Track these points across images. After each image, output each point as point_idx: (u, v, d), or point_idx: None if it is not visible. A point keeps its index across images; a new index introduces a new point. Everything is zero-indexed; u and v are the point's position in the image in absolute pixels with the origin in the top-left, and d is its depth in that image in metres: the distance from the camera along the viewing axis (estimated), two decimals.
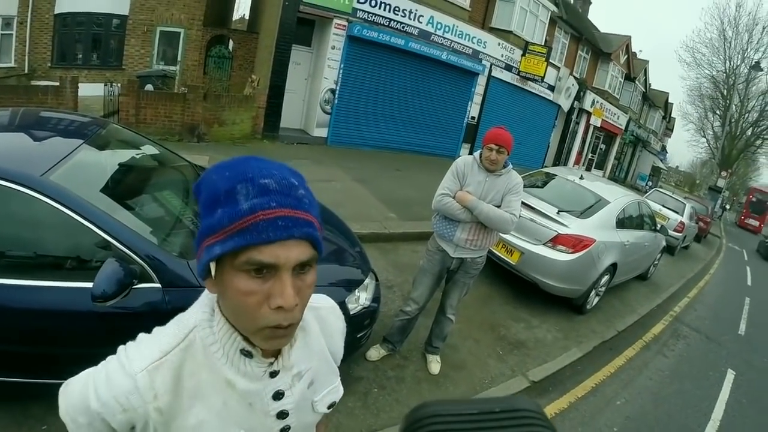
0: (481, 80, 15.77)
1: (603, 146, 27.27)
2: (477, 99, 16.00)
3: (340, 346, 1.06)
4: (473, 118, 16.12)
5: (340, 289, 3.05)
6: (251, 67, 13.94)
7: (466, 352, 4.35)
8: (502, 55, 16.05)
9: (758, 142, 33.08)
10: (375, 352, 3.78)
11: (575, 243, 5.29)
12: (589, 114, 22.29)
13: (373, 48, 12.50)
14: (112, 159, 2.97)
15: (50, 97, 7.95)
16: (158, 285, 2.24)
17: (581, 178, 6.38)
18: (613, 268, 5.95)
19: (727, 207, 41.67)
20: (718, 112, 32.75)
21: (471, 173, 3.29)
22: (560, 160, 22.01)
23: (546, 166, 13.62)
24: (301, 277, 0.73)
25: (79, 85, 8.46)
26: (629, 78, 26.38)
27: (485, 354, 4.43)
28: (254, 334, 0.75)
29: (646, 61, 29.19)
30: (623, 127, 26.62)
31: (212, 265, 0.73)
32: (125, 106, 8.87)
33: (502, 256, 5.63)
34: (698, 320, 7.62)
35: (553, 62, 17.96)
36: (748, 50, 29.70)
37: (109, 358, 0.79)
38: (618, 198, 6.15)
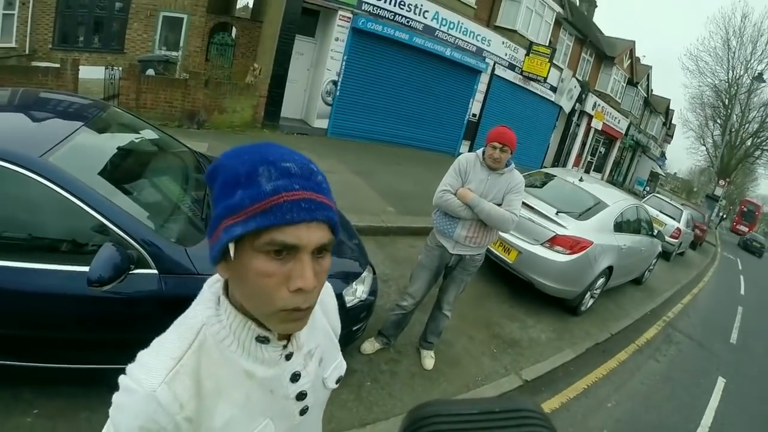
0: (484, 78, 15.77)
1: (603, 149, 27.31)
2: (479, 96, 16.00)
3: (338, 321, 1.09)
4: (474, 115, 16.11)
5: (337, 281, 3.03)
6: (254, 56, 13.87)
7: (460, 348, 4.35)
8: (505, 54, 16.04)
9: (757, 152, 33.13)
10: (369, 346, 3.77)
11: (573, 244, 5.29)
12: (590, 116, 22.29)
13: (376, 41, 12.47)
14: (112, 142, 2.93)
15: (50, 79, 7.94)
16: (155, 271, 2.23)
17: (581, 179, 6.38)
18: (609, 271, 5.96)
19: (724, 216, 42.11)
20: (718, 121, 32.77)
21: (473, 171, 3.28)
22: (559, 161, 22.04)
23: (545, 167, 13.62)
24: (318, 261, 0.74)
25: (80, 67, 8.43)
26: (631, 83, 26.41)
27: (479, 351, 4.43)
28: (270, 316, 0.74)
29: (649, 67, 29.19)
30: (623, 132, 26.64)
31: (231, 246, 0.72)
32: (126, 90, 8.84)
33: (500, 255, 5.63)
34: (691, 327, 7.66)
35: (556, 63, 17.95)
36: (752, 61, 29.74)
37: (114, 396, 0.73)
38: (617, 201, 6.15)
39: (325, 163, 9.10)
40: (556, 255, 5.30)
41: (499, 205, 3.23)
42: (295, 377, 0.87)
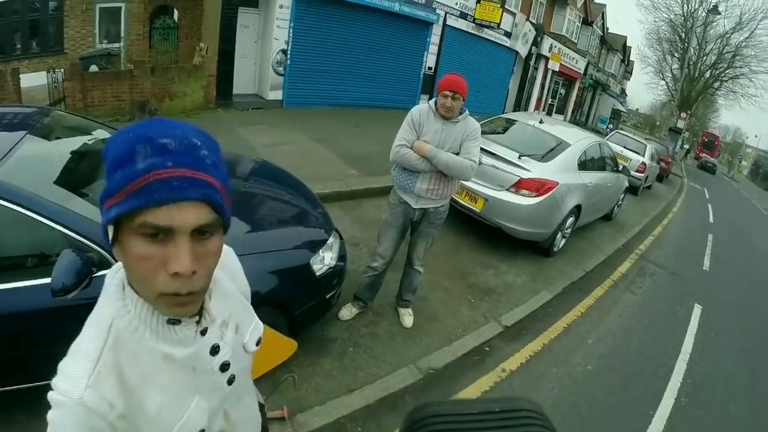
0: (436, 30, 15.53)
1: (563, 91, 27.42)
2: (433, 49, 15.78)
3: (245, 282, 1.06)
4: (430, 68, 15.92)
5: (303, 250, 3.01)
6: (198, 36, 13.33)
7: (437, 302, 4.37)
8: (456, 3, 15.81)
9: (716, 84, 33.41)
10: (347, 312, 3.76)
11: (538, 187, 5.31)
12: (547, 59, 22.27)
13: (323, 4, 12.10)
14: (60, 147, 2.86)
15: None
16: None
17: (541, 122, 6.36)
18: (577, 209, 6.02)
19: (688, 148, 43.55)
20: (676, 55, 32.86)
21: (427, 122, 3.22)
22: (520, 106, 22.02)
23: (506, 113, 13.64)
24: (202, 242, 0.70)
25: (21, 75, 8.14)
26: (587, 22, 26.36)
27: (456, 303, 4.46)
28: (155, 301, 0.72)
29: (604, 5, 29.09)
30: (582, 71, 26.75)
31: (110, 229, 0.70)
32: (71, 91, 8.55)
33: (467, 204, 5.63)
34: (663, 258, 7.85)
35: (508, 8, 17.79)
36: None
37: (48, 415, 0.71)
38: (579, 140, 6.18)
39: (284, 135, 8.96)
40: (523, 199, 5.31)
41: (457, 153, 3.19)
42: (214, 350, 0.85)
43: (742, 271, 8.78)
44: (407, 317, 3.91)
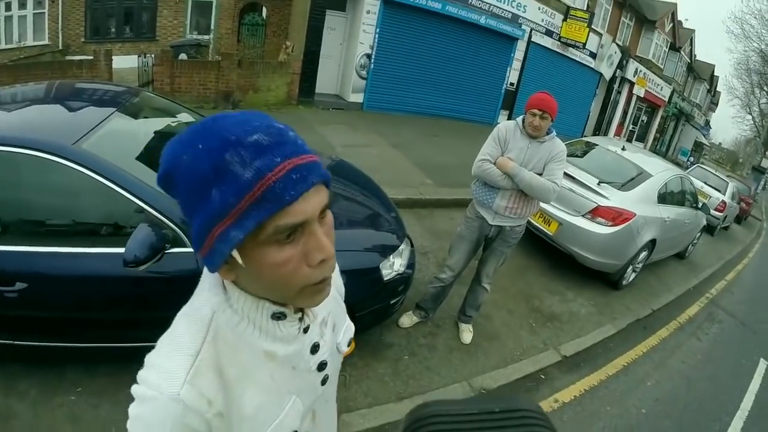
0: (521, 45, 15.37)
1: (645, 118, 26.40)
2: (516, 65, 15.62)
3: (341, 281, 1.05)
4: (512, 84, 15.76)
5: (374, 254, 3.02)
6: (285, 34, 13.84)
7: (499, 322, 4.30)
8: (542, 20, 15.58)
9: None
10: (407, 319, 3.76)
11: (615, 216, 5.13)
12: (631, 83, 21.53)
13: (408, 12, 12.24)
14: (147, 126, 2.99)
15: (85, 71, 8.15)
16: (191, 250, 2.23)
17: (623, 149, 6.14)
18: (651, 244, 5.77)
19: None
20: (765, 88, 30.91)
21: (513, 139, 3.17)
22: (600, 130, 21.39)
23: (586, 136, 13.23)
24: (323, 221, 0.68)
25: (113, 57, 8.63)
26: (674, 47, 25.18)
27: (518, 325, 4.37)
28: (296, 296, 0.70)
29: (692, 31, 27.76)
30: (666, 99, 25.63)
31: (236, 253, 0.64)
32: (160, 76, 9.01)
33: (540, 227, 5.52)
34: (734, 305, 7.36)
35: (595, 28, 17.32)
36: None
37: (131, 408, 0.67)
38: (660, 172, 5.92)
39: (362, 137, 9.11)
40: (598, 227, 5.15)
41: (540, 174, 3.12)
42: (314, 348, 0.84)
43: None
44: (467, 333, 3.86)
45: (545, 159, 3.14)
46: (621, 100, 22.07)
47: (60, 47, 11.08)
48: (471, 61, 14.28)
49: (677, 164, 20.44)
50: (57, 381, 2.60)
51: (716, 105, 39.61)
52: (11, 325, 2.30)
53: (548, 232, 5.44)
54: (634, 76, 21.25)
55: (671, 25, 23.98)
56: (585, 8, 16.46)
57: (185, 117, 3.37)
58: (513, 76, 15.69)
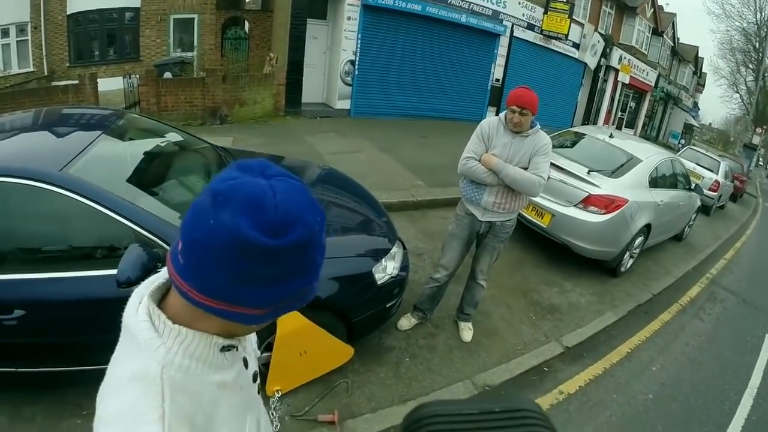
0: (503, 41, 15.39)
1: (633, 104, 26.40)
2: (500, 61, 15.64)
3: None
4: (497, 80, 15.78)
5: (366, 258, 3.03)
6: (268, 46, 13.87)
7: (498, 318, 4.29)
8: (523, 14, 15.63)
9: None
10: (406, 322, 3.75)
11: (607, 203, 5.13)
12: (616, 71, 21.55)
13: (389, 15, 12.26)
14: (133, 147, 3.02)
15: (71, 96, 8.16)
16: None
17: (611, 136, 6.15)
18: (647, 228, 5.78)
19: (765, 166, 40.61)
20: (750, 66, 31.18)
21: (496, 135, 3.18)
22: (589, 119, 21.36)
23: (575, 126, 13.25)
24: None
25: (99, 80, 8.62)
26: (657, 32, 25.25)
27: (518, 320, 4.36)
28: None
29: (674, 14, 27.84)
30: (653, 84, 25.65)
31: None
32: (145, 96, 9.03)
33: (533, 219, 5.52)
34: (735, 283, 7.35)
35: (576, 19, 17.34)
36: None
37: None
38: (650, 156, 5.93)
39: (351, 143, 9.10)
40: (591, 215, 5.15)
41: (526, 168, 3.13)
42: (245, 363, 0.84)
43: None
44: (467, 331, 3.85)
45: (530, 153, 3.14)
46: (608, 88, 22.09)
47: (45, 73, 11.11)
48: (455, 60, 14.31)
49: (669, 148, 20.50)
50: (61, 405, 2.60)
51: (703, 86, 39.69)
52: (12, 352, 2.31)
53: (542, 225, 5.44)
54: (618, 64, 21.28)
55: (652, 10, 24.06)
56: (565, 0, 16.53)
57: (173, 136, 3.40)
58: (498, 72, 15.71)
